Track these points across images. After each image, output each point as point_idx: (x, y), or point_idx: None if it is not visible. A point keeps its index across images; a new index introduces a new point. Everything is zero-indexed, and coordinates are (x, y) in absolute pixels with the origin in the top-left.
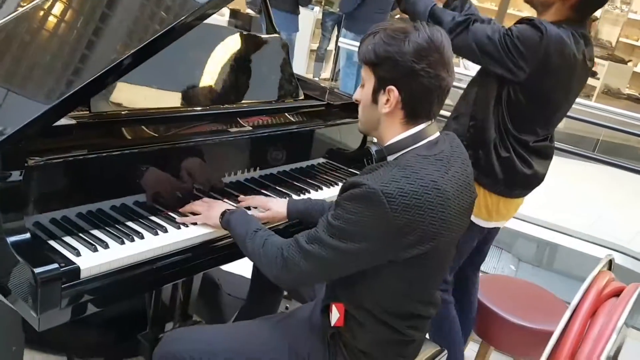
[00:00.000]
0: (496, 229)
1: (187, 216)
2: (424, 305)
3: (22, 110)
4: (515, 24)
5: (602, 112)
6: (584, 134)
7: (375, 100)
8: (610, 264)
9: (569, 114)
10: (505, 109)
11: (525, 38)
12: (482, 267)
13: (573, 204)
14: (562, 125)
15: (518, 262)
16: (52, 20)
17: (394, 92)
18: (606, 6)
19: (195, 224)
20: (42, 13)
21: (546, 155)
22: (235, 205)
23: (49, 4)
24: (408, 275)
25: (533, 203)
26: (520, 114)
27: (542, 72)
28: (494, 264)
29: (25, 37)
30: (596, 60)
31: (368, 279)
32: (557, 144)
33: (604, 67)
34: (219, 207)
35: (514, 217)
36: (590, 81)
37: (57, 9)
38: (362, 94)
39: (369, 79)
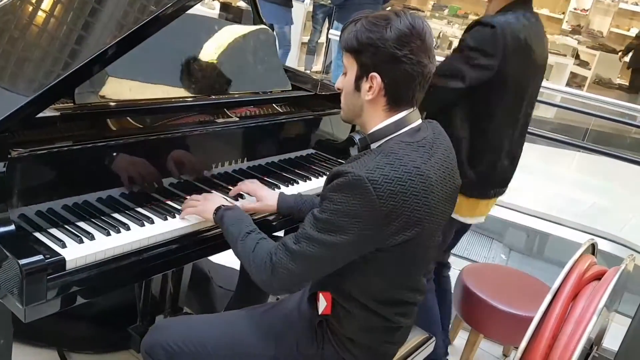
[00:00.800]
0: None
1: (180, 207)
2: (410, 292)
3: (4, 102)
4: (465, 31)
5: (593, 102)
6: (574, 123)
7: (357, 87)
8: (593, 248)
9: (560, 103)
10: (473, 118)
11: (481, 38)
12: (472, 257)
13: (563, 193)
14: (552, 114)
15: (509, 251)
16: (36, 12)
17: (376, 79)
18: None
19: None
20: (28, 6)
21: (515, 156)
22: (228, 198)
23: None
24: (394, 262)
25: (523, 192)
26: (490, 115)
27: (507, 58)
28: (485, 254)
29: (9, 29)
30: (587, 50)
31: (354, 267)
32: (547, 133)
33: (595, 57)
34: (214, 201)
35: (504, 207)
36: (582, 71)
37: (43, 1)
38: (344, 82)
39: (351, 66)
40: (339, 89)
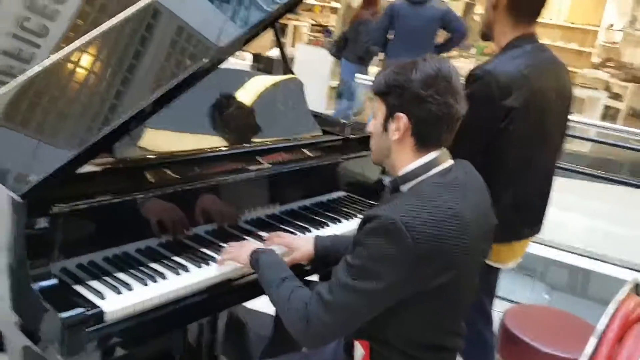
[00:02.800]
0: None
1: (214, 254)
2: (450, 336)
3: (47, 159)
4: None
5: (628, 135)
6: (611, 157)
7: (385, 128)
8: (637, 287)
9: (594, 137)
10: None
11: (478, 96)
12: (514, 298)
13: (604, 228)
14: (588, 149)
15: (551, 290)
16: (78, 70)
17: (403, 119)
18: (627, 28)
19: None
20: (69, 64)
21: (545, 194)
22: (261, 244)
23: (75, 55)
24: (432, 305)
25: (563, 229)
26: (511, 160)
27: (512, 107)
28: (527, 294)
29: (53, 88)
30: (620, 82)
31: (392, 313)
32: (584, 169)
33: (628, 89)
34: (249, 246)
35: (544, 245)
36: (615, 104)
37: (84, 59)
38: (374, 125)
39: (380, 109)
40: (370, 132)
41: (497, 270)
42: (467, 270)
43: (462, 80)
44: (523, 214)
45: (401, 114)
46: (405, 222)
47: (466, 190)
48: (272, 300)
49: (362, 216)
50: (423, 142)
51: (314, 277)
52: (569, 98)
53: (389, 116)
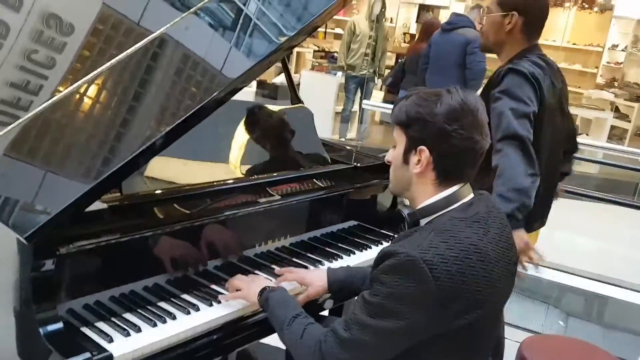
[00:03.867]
0: None
1: (224, 291)
2: None
3: (54, 197)
4: (499, 81)
5: (636, 156)
6: (620, 177)
7: (406, 160)
8: None
9: (603, 159)
10: None
11: (517, 84)
12: (529, 325)
13: (618, 252)
14: (596, 170)
15: (567, 317)
16: (86, 104)
17: (425, 152)
18: (630, 48)
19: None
20: (77, 97)
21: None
22: (272, 280)
23: (84, 88)
24: (456, 347)
25: (576, 253)
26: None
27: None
28: (542, 321)
29: (60, 123)
30: (626, 102)
31: (412, 354)
32: (592, 192)
33: (634, 109)
34: (258, 283)
35: (558, 270)
36: (622, 124)
37: (93, 92)
38: (393, 156)
39: (400, 140)
40: (388, 162)
41: None
42: (493, 310)
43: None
44: (540, 209)
45: (423, 148)
46: (425, 260)
47: (489, 225)
48: (282, 339)
49: (375, 247)
50: (445, 177)
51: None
52: (567, 101)
53: (410, 148)
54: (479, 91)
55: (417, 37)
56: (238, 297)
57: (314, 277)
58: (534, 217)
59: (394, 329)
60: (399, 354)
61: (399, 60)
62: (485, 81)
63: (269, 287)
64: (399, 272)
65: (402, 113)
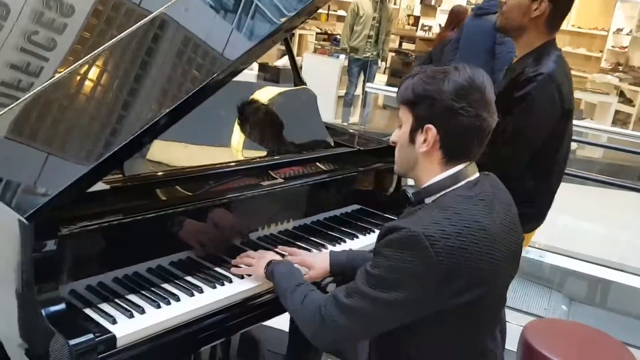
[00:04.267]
0: None
1: (235, 266)
2: (476, 357)
3: (56, 177)
4: (522, 84)
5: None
6: (625, 162)
7: (412, 140)
8: None
9: (607, 143)
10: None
11: (541, 98)
12: (532, 310)
13: (622, 237)
14: (600, 154)
15: (569, 302)
16: (87, 84)
17: (432, 131)
18: (635, 32)
19: (230, 280)
20: (78, 78)
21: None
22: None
23: (85, 68)
24: (458, 325)
25: (579, 237)
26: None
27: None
28: (545, 305)
29: (61, 103)
30: (630, 87)
31: (415, 333)
32: (596, 176)
33: (639, 93)
34: (266, 258)
35: (562, 254)
36: (626, 108)
37: (94, 72)
38: (399, 135)
39: (406, 119)
40: (393, 143)
41: None
42: (495, 289)
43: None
44: (544, 209)
45: (430, 126)
46: (427, 235)
47: (493, 205)
48: (285, 306)
49: (378, 230)
50: (451, 155)
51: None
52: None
53: (417, 127)
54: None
55: (444, 25)
56: (248, 272)
57: (316, 260)
58: (538, 217)
59: (393, 301)
60: (401, 329)
61: (429, 50)
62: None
63: (274, 260)
64: (401, 247)
65: (409, 91)
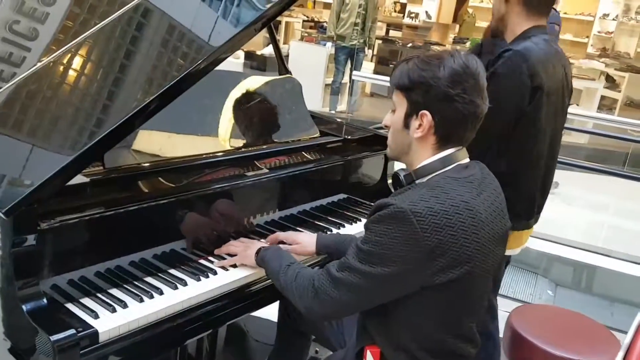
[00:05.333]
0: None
1: (222, 258)
2: (463, 342)
3: (35, 170)
4: (492, 63)
5: (625, 126)
6: (611, 148)
7: (407, 125)
8: None
9: (593, 129)
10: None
11: (507, 74)
12: (518, 295)
13: (607, 222)
14: (586, 140)
15: (555, 287)
16: (68, 74)
17: (427, 117)
18: (621, 18)
19: (215, 272)
20: (59, 68)
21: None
22: (264, 242)
23: (66, 57)
24: (443, 302)
25: (565, 223)
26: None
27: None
28: (531, 291)
29: (42, 93)
30: (616, 72)
31: (402, 311)
32: (582, 163)
33: (625, 79)
34: (254, 245)
35: (548, 240)
36: (612, 94)
37: (75, 62)
38: (392, 120)
39: (400, 104)
40: (386, 126)
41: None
42: (480, 269)
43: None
44: (535, 206)
45: (425, 112)
46: (414, 212)
47: (482, 188)
48: (279, 287)
49: (365, 219)
50: (445, 141)
51: None
52: (570, 96)
53: (412, 113)
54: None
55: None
56: (234, 262)
57: (304, 238)
58: (527, 212)
59: (382, 275)
60: (389, 309)
61: (477, 41)
62: None
63: (263, 247)
64: (388, 223)
65: (405, 77)
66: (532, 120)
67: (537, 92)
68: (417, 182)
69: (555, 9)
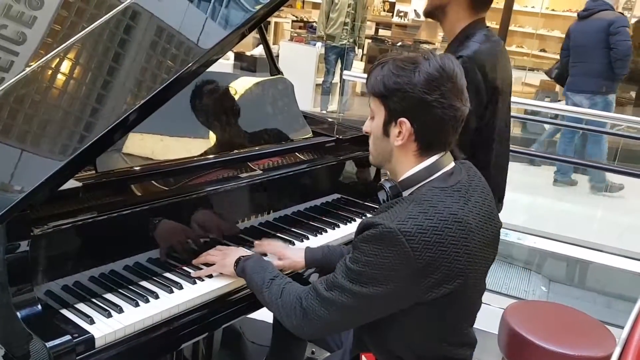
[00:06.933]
0: None
1: (201, 268)
2: (458, 347)
3: (26, 176)
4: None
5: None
6: None
7: (386, 132)
8: None
9: (585, 125)
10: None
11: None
12: (512, 292)
13: (597, 217)
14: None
15: (549, 282)
16: (58, 79)
17: (406, 124)
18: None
19: (210, 275)
20: (48, 72)
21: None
22: (250, 251)
23: (55, 61)
24: (437, 316)
25: (557, 219)
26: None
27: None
28: (524, 287)
29: (31, 99)
30: None
31: (396, 323)
32: (573, 159)
33: None
34: (233, 254)
35: (540, 236)
36: None
37: (64, 66)
38: (372, 126)
39: (378, 111)
40: (366, 133)
41: None
42: (473, 279)
43: None
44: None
45: (404, 119)
46: (403, 231)
47: (469, 194)
48: (263, 302)
49: (359, 219)
50: (427, 147)
51: None
52: (511, 83)
53: (390, 120)
54: None
55: None
56: (212, 272)
57: (292, 253)
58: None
59: (372, 295)
60: (384, 320)
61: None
62: None
63: (243, 256)
64: (377, 243)
65: (379, 84)
66: (490, 120)
67: (494, 93)
68: (403, 193)
69: None
